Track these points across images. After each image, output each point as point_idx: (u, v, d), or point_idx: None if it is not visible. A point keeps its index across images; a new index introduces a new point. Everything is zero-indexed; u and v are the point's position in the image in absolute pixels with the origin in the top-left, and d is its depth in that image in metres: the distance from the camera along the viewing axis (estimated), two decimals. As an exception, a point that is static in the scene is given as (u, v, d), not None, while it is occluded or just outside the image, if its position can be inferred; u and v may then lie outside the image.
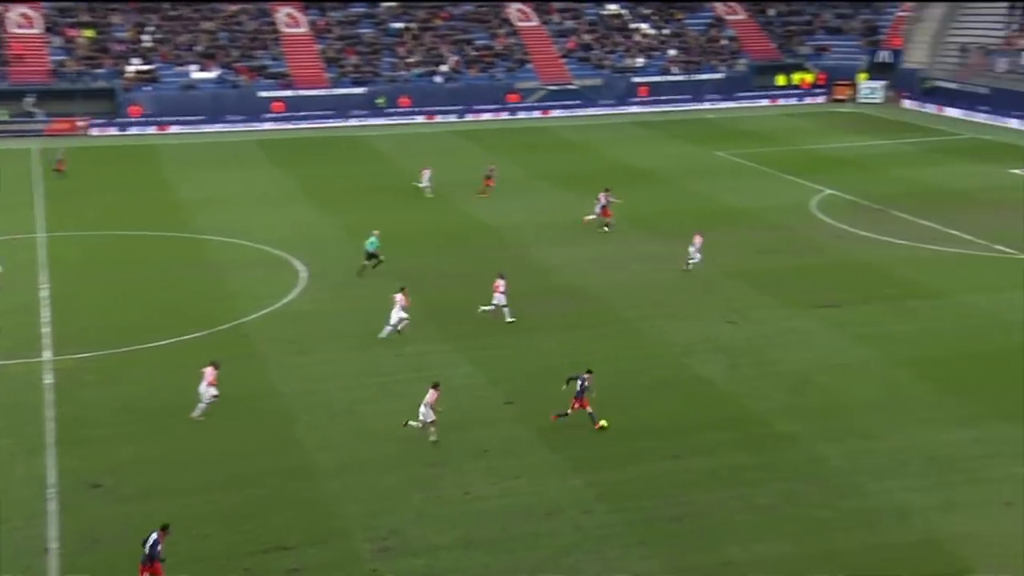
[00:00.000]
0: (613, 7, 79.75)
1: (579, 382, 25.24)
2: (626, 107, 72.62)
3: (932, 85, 72.60)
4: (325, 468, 23.91)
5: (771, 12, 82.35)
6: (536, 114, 70.46)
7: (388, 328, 29.96)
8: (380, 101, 68.94)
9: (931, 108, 70.73)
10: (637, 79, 74.38)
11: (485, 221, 43.01)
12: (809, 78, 77.20)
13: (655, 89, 74.24)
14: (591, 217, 41.39)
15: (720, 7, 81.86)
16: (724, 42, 79.09)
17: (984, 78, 69.62)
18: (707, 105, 73.63)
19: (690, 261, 36.18)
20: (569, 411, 25.26)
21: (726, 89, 75.28)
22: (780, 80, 77.01)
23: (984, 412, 26.22)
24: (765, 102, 74.79)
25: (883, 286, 35.11)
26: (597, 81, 73.16)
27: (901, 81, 75.85)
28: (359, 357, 29.38)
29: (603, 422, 25.31)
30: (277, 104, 67.63)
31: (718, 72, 76.22)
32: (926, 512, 22.29)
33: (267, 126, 65.98)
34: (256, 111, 66.67)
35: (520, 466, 23.99)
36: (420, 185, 47.42)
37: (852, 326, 31.62)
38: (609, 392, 26.32)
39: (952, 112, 68.99)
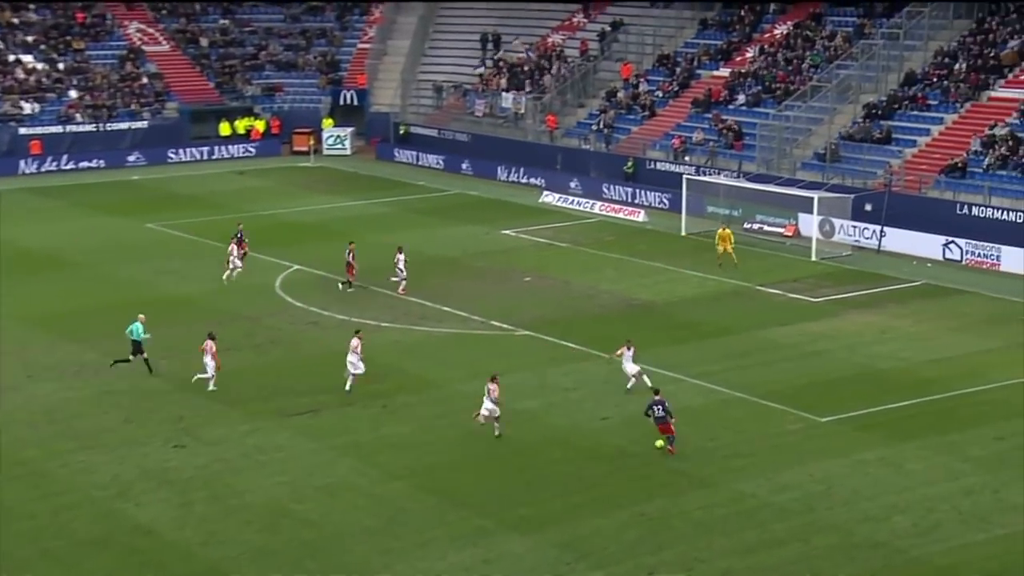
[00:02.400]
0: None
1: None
2: (12, 169, 68.48)
3: (407, 131, 76.43)
4: None
5: (203, 42, 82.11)
6: None
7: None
8: None
9: (408, 158, 74.29)
10: (26, 131, 70.49)
11: None
12: (260, 126, 77.87)
13: (52, 143, 70.76)
14: None
15: (135, 34, 79.94)
16: (144, 80, 77.33)
17: (463, 122, 74.68)
18: (130, 162, 72.16)
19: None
20: None
21: (153, 141, 73.93)
22: (224, 129, 76.97)
23: (489, 525, 27.13)
24: (206, 157, 74.68)
25: (366, 381, 35.87)
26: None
27: (372, 127, 79.07)
28: None
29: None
30: None
31: (141, 120, 74.62)
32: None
33: None
34: None
35: None
36: None
37: (334, 435, 32.10)
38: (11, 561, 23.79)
39: (432, 162, 72.97)
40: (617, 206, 60.63)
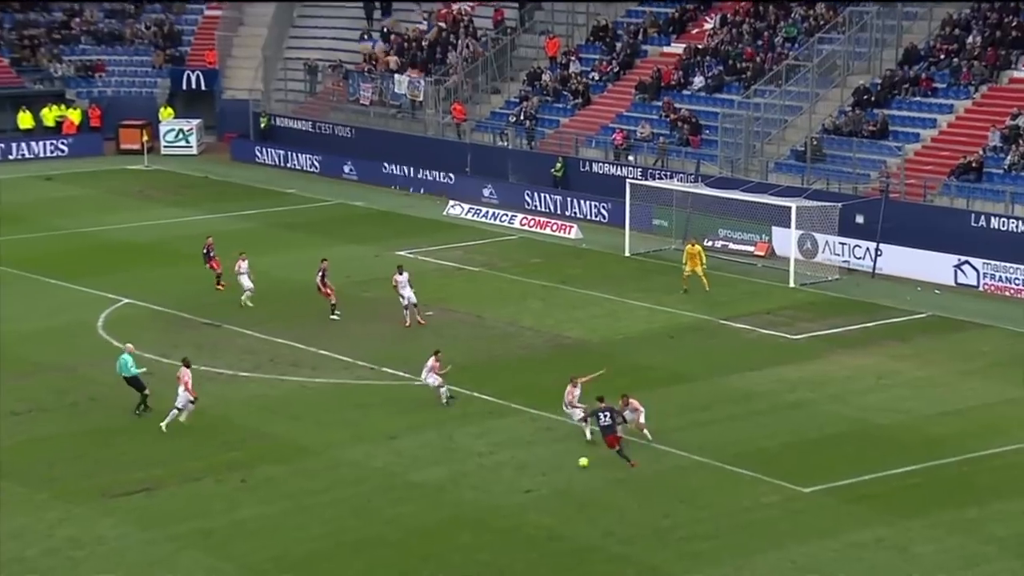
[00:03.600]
0: None
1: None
2: None
3: (269, 124, 76.19)
4: None
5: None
6: None
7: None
8: None
9: (274, 158, 74.07)
10: None
11: None
12: (75, 116, 77.20)
13: None
14: None
15: None
16: (-90, 55, 76.32)
17: (344, 113, 74.69)
18: None
19: None
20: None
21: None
22: (24, 121, 76.10)
23: None
24: (0, 157, 73.70)
25: (222, 448, 35.69)
26: None
27: (225, 119, 78.81)
28: None
29: None
30: None
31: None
32: None
33: None
34: None
35: None
36: None
37: (176, 521, 31.78)
38: None
39: (305, 163, 72.78)
40: (543, 219, 60.93)
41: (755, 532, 31.16)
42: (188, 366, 37.12)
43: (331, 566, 29.73)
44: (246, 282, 47.91)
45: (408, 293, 45.87)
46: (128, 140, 76.03)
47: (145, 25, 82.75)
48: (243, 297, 47.79)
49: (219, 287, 49.64)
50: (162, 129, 76.74)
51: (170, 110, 78.23)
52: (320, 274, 46.71)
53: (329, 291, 46.65)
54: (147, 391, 38.03)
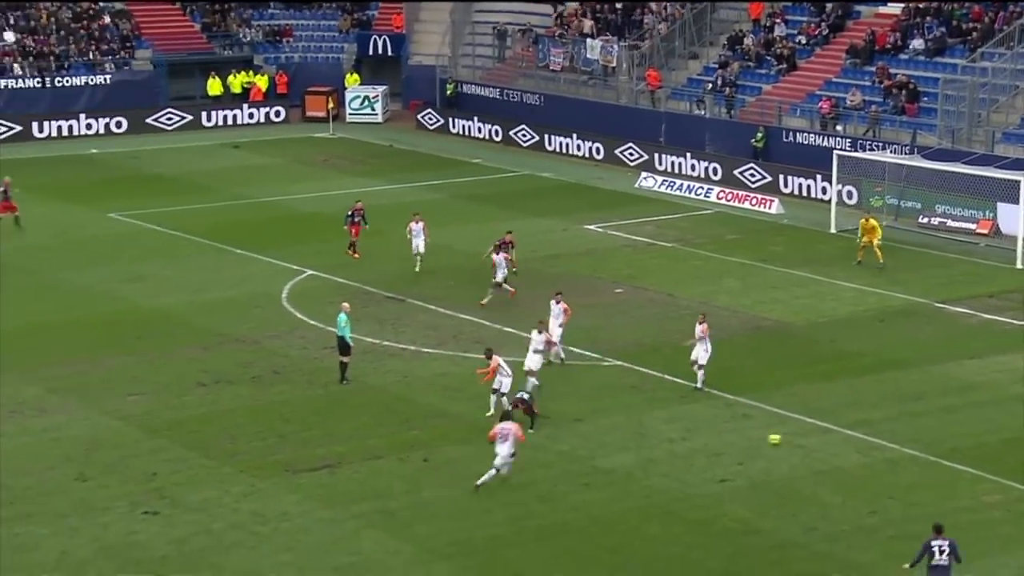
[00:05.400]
0: None
1: None
2: None
3: (456, 91, 76.61)
4: None
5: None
6: None
7: None
8: None
9: (460, 127, 74.53)
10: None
11: None
12: (262, 83, 78.64)
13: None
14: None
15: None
16: (107, 20, 78.37)
17: (533, 80, 74.76)
18: (87, 130, 72.72)
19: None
20: None
21: (118, 102, 74.81)
22: (213, 88, 77.81)
23: None
24: (189, 125, 75.40)
25: (404, 426, 36.02)
26: None
27: (411, 86, 79.54)
28: None
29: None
30: None
31: (101, 74, 75.49)
32: None
33: None
34: None
35: None
36: None
37: (358, 499, 32.04)
38: None
39: (492, 132, 73.05)
40: (742, 193, 60.46)
41: (974, 534, 30.23)
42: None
43: (514, 552, 29.78)
44: (419, 245, 48.52)
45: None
46: (314, 107, 77.27)
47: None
48: (417, 259, 48.63)
49: (352, 254, 50.50)
50: (348, 96, 77.77)
51: (356, 76, 79.21)
52: (498, 245, 46.31)
53: (514, 261, 46.44)
54: (348, 359, 38.50)
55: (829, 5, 69.31)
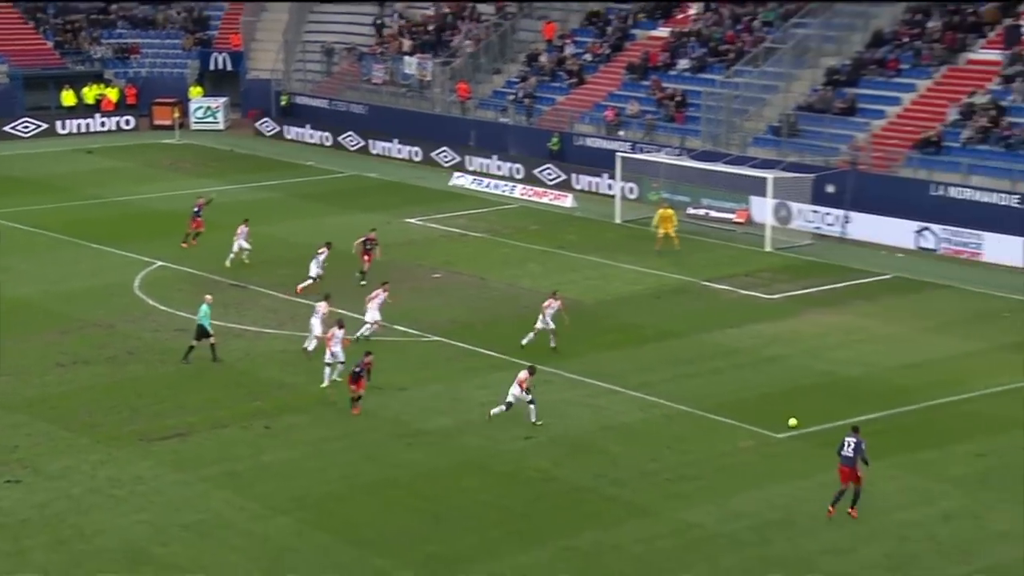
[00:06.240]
0: None
1: None
2: None
3: (290, 102, 76.05)
4: None
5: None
6: None
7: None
8: None
9: (294, 134, 73.97)
10: None
11: None
12: (113, 95, 76.97)
13: None
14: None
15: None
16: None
17: (358, 92, 74.49)
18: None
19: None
20: None
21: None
22: (67, 99, 76.04)
23: (391, 566, 27.21)
24: (44, 133, 73.52)
25: (248, 398, 35.73)
26: None
27: (249, 97, 78.61)
28: None
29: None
30: None
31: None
32: None
33: None
34: None
35: None
36: None
37: (206, 464, 31.85)
38: None
39: (322, 138, 72.67)
40: (541, 189, 60.95)
41: (734, 474, 31.26)
42: (342, 327, 36.75)
43: (346, 506, 29.84)
44: (242, 243, 47.94)
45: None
46: (161, 116, 75.90)
47: (176, 12, 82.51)
48: (231, 256, 47.78)
49: (184, 245, 50.21)
50: (192, 106, 76.56)
51: (199, 88, 78.03)
52: (363, 240, 46.35)
53: (368, 258, 46.28)
54: (212, 340, 38.10)
55: (610, 28, 70.19)
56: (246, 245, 47.98)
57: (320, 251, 45.25)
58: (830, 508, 28.89)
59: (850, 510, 28.81)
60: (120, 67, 79.24)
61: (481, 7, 75.41)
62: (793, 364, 38.78)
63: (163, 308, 43.41)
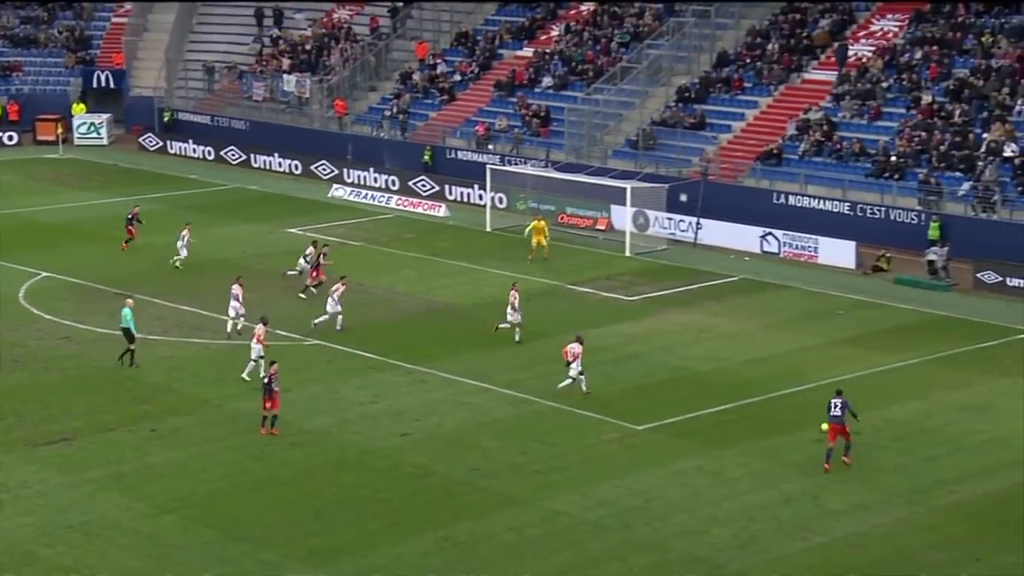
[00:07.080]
0: None
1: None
2: None
3: (172, 117, 74.95)
4: None
5: (-88, 11, 78.95)
6: None
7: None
8: None
9: (177, 148, 72.83)
10: None
11: None
12: (-4, 111, 75.12)
13: None
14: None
15: None
16: None
17: (239, 108, 73.68)
18: None
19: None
20: None
21: None
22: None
23: (275, 559, 27.11)
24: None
25: (134, 402, 35.26)
26: None
27: (132, 113, 77.21)
28: None
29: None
30: None
31: None
32: None
33: None
34: None
35: None
36: None
37: (92, 467, 31.35)
38: None
39: (205, 152, 71.69)
40: (416, 200, 60.87)
41: (598, 464, 31.60)
42: (265, 324, 37.05)
43: (231, 503, 29.58)
44: (183, 250, 47.98)
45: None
46: (44, 132, 74.02)
47: (58, 30, 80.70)
48: (175, 260, 47.95)
49: (124, 247, 50.27)
50: (75, 122, 74.79)
51: (82, 105, 76.30)
52: (318, 256, 45.49)
53: (315, 274, 45.18)
54: (134, 345, 37.51)
55: (477, 49, 70.38)
56: (184, 252, 47.81)
57: (307, 251, 46.20)
58: (826, 465, 30.81)
59: (844, 458, 31.12)
60: (1, 84, 77.30)
61: (356, 28, 75.08)
62: (651, 360, 39.29)
63: (48, 317, 42.55)
